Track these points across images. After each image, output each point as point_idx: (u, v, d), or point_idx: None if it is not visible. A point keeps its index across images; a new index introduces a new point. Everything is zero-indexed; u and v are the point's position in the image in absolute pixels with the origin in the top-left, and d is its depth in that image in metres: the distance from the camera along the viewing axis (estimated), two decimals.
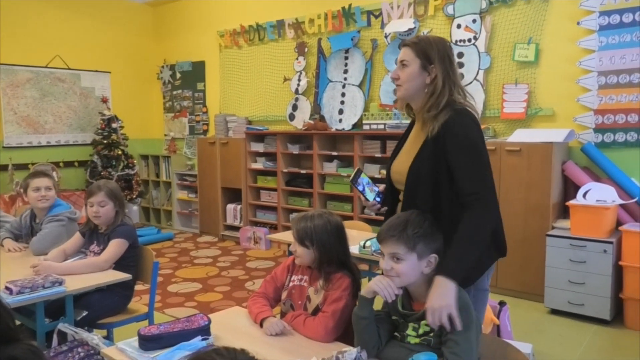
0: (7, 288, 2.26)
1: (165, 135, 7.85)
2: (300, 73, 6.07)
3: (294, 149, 5.90)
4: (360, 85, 5.55)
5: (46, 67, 6.69)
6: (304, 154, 5.92)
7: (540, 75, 4.46)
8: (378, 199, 2.06)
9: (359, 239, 3.13)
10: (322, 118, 5.80)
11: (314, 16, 5.86)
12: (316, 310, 1.94)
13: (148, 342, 1.72)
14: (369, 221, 4.42)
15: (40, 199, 3.08)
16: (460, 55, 4.76)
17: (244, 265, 5.42)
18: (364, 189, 2.05)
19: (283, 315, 2.06)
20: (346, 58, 5.65)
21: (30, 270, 2.53)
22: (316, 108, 5.91)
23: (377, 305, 1.72)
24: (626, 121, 4.06)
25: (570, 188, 4.17)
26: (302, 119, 5.96)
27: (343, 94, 5.68)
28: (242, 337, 1.85)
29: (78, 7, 6.98)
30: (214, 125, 6.85)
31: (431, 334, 1.61)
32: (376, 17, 5.41)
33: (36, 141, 6.65)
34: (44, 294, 2.29)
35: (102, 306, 2.69)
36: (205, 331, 1.80)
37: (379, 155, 5.16)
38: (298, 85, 6.05)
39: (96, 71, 7.18)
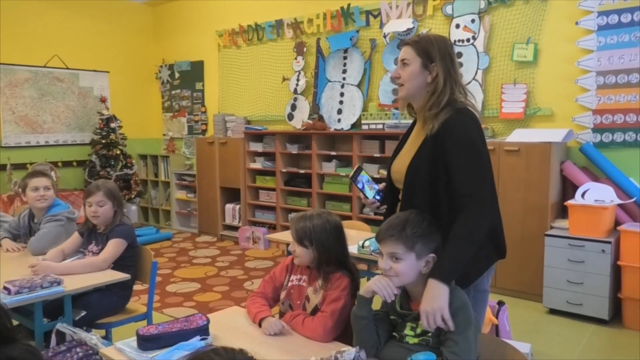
0: (5, 288, 2.25)
1: (164, 135, 7.84)
2: (299, 73, 6.06)
3: (293, 149, 5.90)
4: (359, 85, 5.55)
5: (45, 66, 6.68)
6: (303, 154, 5.92)
7: (539, 75, 4.46)
8: (377, 197, 2.05)
9: (358, 238, 3.13)
10: (320, 118, 5.80)
11: (312, 16, 5.86)
12: (315, 310, 1.94)
13: (147, 342, 1.72)
14: (368, 221, 4.42)
15: (39, 199, 3.08)
16: (459, 55, 4.76)
17: (242, 265, 5.41)
18: (363, 187, 2.05)
19: (282, 315, 2.06)
20: (345, 58, 5.65)
21: (29, 270, 2.53)
22: (315, 108, 5.90)
23: (376, 305, 1.72)
24: (624, 121, 4.06)
25: (568, 188, 4.18)
26: (301, 119, 5.95)
27: (342, 94, 5.68)
28: (240, 337, 1.85)
29: (77, 7, 6.97)
30: (212, 125, 6.84)
31: (429, 334, 1.61)
32: (375, 17, 5.41)
33: (34, 141, 6.64)
34: (42, 294, 2.28)
35: (101, 306, 2.69)
36: (204, 331, 1.80)
37: (378, 155, 5.16)
38: (297, 85, 6.05)
39: (95, 71, 7.16)
